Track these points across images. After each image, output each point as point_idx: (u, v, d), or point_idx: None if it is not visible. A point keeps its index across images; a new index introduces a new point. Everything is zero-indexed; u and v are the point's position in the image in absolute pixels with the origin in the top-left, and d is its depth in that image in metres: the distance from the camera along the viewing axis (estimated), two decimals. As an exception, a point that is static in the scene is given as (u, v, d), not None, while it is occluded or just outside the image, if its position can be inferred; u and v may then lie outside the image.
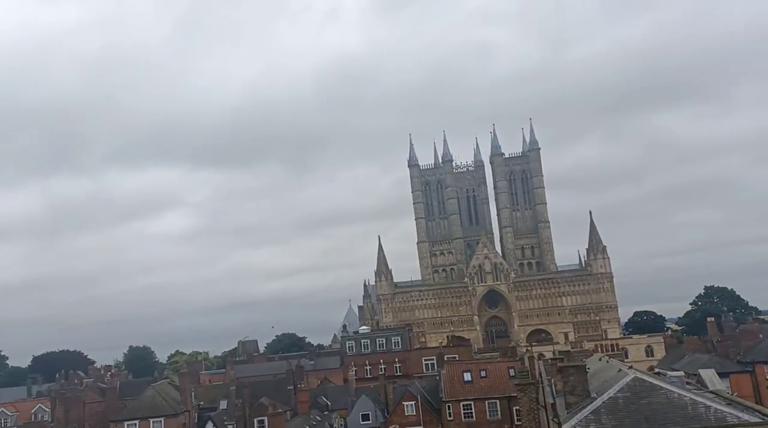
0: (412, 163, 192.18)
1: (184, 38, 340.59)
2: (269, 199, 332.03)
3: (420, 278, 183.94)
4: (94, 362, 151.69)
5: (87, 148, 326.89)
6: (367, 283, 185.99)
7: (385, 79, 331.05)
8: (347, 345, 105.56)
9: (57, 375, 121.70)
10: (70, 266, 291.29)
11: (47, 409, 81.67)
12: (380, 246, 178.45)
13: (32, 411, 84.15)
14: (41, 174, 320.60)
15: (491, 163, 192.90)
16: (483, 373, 74.88)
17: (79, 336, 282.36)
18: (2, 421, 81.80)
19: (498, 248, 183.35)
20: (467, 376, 74.68)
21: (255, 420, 73.22)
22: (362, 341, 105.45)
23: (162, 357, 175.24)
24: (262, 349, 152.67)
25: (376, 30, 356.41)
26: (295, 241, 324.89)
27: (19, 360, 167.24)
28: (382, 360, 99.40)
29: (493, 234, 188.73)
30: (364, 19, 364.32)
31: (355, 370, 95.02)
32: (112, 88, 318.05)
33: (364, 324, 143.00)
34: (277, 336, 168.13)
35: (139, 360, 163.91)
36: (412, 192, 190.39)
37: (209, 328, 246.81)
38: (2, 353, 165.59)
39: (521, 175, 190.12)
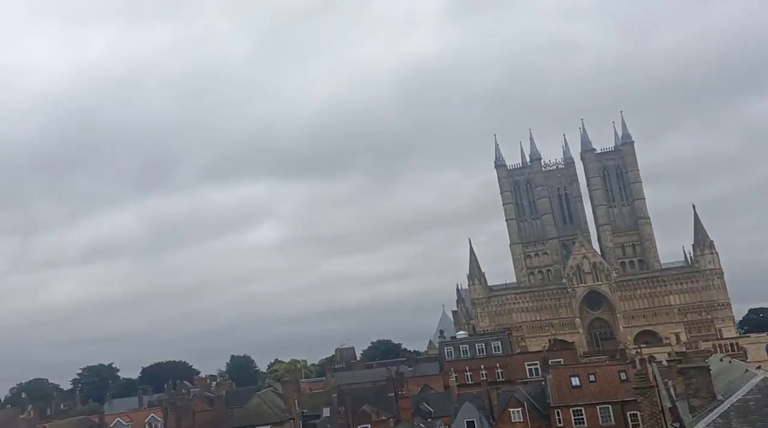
0: (499, 164, 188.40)
1: (266, 54, 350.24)
2: (357, 207, 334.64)
3: (515, 280, 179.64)
4: (198, 372, 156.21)
5: (181, 166, 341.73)
6: (459, 287, 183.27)
7: (465, 82, 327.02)
8: (445, 351, 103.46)
9: (165, 386, 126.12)
10: (171, 281, 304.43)
11: (159, 418, 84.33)
12: (471, 249, 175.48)
13: (145, 420, 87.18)
14: (140, 193, 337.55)
15: (582, 159, 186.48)
16: (592, 377, 71.71)
17: (183, 347, 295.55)
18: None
19: (596, 247, 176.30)
20: (575, 381, 71.57)
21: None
22: (461, 346, 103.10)
23: (262, 365, 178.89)
24: (358, 356, 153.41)
25: (453, 33, 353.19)
26: (384, 248, 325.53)
27: (130, 371, 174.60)
28: (482, 366, 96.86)
29: (589, 232, 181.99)
30: (442, 23, 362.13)
31: (456, 376, 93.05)
32: (201, 106, 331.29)
33: (461, 329, 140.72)
34: (372, 342, 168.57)
35: (241, 370, 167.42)
36: (500, 193, 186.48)
37: (305, 336, 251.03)
38: (114, 365, 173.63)
39: (615, 170, 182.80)
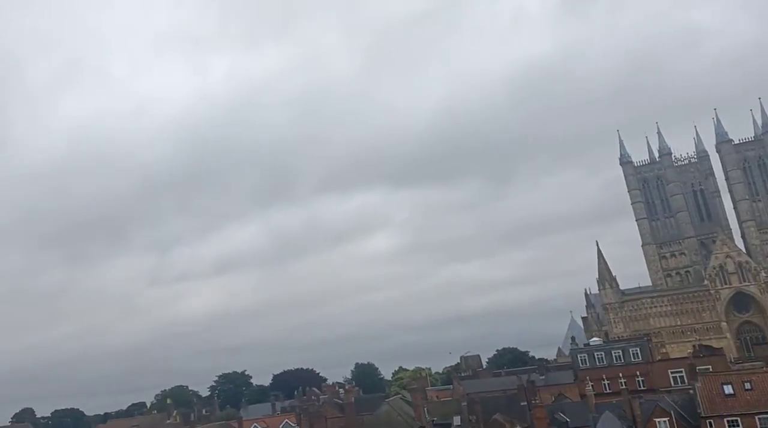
0: (625, 161, 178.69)
1: (375, 65, 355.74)
2: (472, 213, 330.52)
3: (650, 283, 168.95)
4: (325, 379, 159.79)
5: (299, 180, 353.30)
6: (588, 292, 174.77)
7: (581, 78, 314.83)
8: (579, 359, 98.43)
9: (295, 392, 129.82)
10: (294, 290, 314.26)
11: (293, 424, 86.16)
12: (599, 251, 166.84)
13: (280, 426, 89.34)
14: (263, 207, 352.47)
15: (718, 151, 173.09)
16: (747, 385, 66.76)
17: (309, 354, 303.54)
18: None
19: (740, 245, 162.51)
20: (728, 389, 67.07)
21: (491, 437, 70.73)
22: (596, 354, 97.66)
23: (386, 373, 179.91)
24: (483, 364, 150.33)
25: (566, 29, 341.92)
26: (503, 253, 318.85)
27: (261, 378, 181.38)
28: (621, 374, 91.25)
29: (730, 229, 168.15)
30: (553, 20, 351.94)
31: (592, 385, 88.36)
32: (316, 121, 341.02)
33: (592, 336, 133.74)
34: (498, 350, 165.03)
35: (366, 377, 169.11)
36: (628, 191, 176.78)
37: (426, 344, 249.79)
38: (246, 372, 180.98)
39: (757, 161, 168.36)
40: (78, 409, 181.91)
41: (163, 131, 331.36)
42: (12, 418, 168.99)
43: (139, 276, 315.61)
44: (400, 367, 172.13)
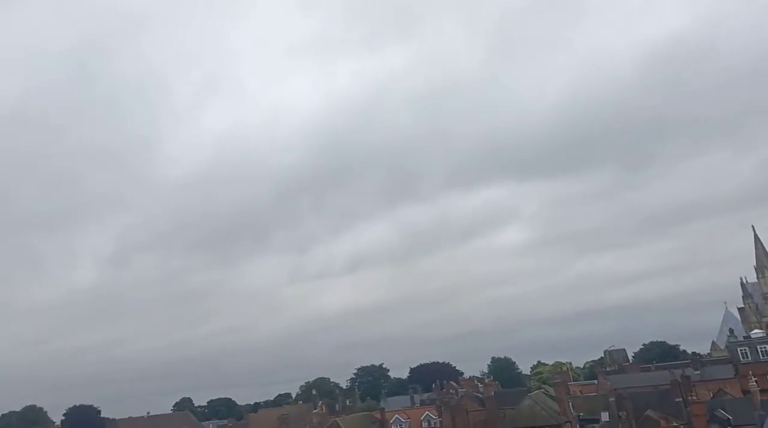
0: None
1: (497, 57, 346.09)
2: (605, 202, 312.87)
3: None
4: (462, 373, 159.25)
5: (424, 177, 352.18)
6: (745, 281, 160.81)
7: (725, 53, 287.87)
8: (739, 352, 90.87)
9: (433, 385, 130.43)
10: (425, 286, 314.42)
11: (434, 416, 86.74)
12: (756, 237, 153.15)
13: (420, 418, 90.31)
14: (391, 205, 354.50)
15: None
16: None
17: (441, 348, 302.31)
18: (398, 426, 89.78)
19: None
20: None
21: (645, 434, 67.26)
22: (758, 347, 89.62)
23: (523, 367, 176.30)
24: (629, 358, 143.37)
25: (705, 2, 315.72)
26: (643, 243, 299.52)
27: (398, 371, 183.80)
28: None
29: None
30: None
31: (756, 381, 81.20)
32: (439, 117, 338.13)
33: (753, 328, 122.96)
34: (644, 344, 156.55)
35: (503, 371, 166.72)
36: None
37: (563, 338, 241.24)
38: (384, 365, 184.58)
39: None
40: (230, 399, 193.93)
41: (295, 137, 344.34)
42: (173, 407, 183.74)
43: (279, 275, 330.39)
44: (539, 361, 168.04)
